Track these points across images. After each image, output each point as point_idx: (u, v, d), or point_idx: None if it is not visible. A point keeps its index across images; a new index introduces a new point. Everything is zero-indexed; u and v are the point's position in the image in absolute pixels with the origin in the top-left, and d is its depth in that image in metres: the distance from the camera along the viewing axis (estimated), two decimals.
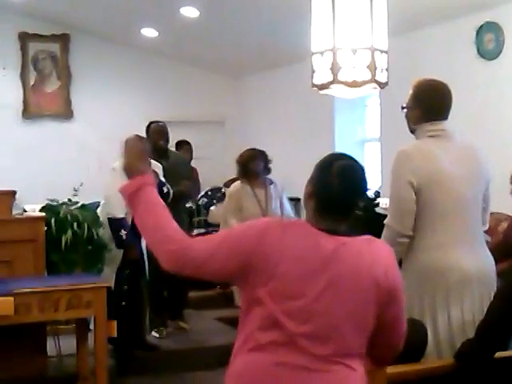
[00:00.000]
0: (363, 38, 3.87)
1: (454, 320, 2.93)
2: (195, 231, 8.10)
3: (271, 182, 5.66)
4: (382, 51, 3.94)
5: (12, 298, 3.98)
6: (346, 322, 2.05)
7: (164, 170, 5.94)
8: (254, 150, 5.63)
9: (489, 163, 3.17)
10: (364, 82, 3.88)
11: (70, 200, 5.17)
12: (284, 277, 2.06)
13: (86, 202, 5.54)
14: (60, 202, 5.17)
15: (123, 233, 5.26)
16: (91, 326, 4.62)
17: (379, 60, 3.91)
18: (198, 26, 7.73)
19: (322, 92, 4.07)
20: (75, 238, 4.94)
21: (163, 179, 5.60)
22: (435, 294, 2.94)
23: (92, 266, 5.07)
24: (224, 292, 7.74)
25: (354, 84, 3.88)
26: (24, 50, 8.83)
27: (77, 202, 5.22)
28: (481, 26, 5.76)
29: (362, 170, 2.17)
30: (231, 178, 8.02)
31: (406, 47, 5.84)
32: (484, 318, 2.59)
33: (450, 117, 3.16)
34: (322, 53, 3.94)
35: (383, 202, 5.40)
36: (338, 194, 2.10)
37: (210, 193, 8.57)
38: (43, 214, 4.92)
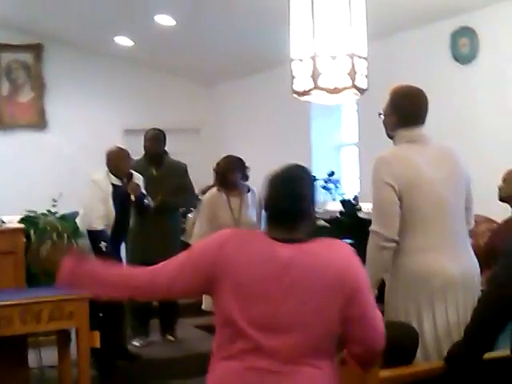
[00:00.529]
0: (343, 45, 3.89)
1: (439, 323, 2.96)
2: None
3: (249, 190, 5.63)
4: (361, 57, 3.96)
5: None
6: (310, 324, 2.11)
7: (153, 178, 5.95)
8: (231, 158, 5.53)
9: (466, 164, 3.22)
10: (344, 89, 3.90)
11: (49, 211, 5.12)
12: (245, 285, 2.15)
13: (64, 212, 5.50)
14: (38, 212, 5.12)
15: (103, 245, 5.25)
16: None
17: (359, 66, 3.94)
18: (174, 35, 7.71)
19: (302, 99, 4.09)
20: (55, 248, 4.89)
21: (144, 191, 5.59)
22: (420, 298, 2.96)
23: None
24: (202, 300, 7.72)
25: (334, 90, 3.90)
26: None
27: (56, 213, 5.17)
28: (455, 31, 5.82)
29: (303, 178, 2.26)
30: (208, 185, 8.02)
31: (381, 52, 5.87)
32: (471, 320, 2.61)
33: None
34: (301, 59, 3.95)
35: (365, 207, 5.43)
36: (280, 203, 2.21)
37: None
38: (22, 225, 4.87)
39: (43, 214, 5.11)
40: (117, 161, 5.46)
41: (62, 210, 5.54)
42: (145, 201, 5.59)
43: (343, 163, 7.92)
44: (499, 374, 2.62)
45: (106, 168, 5.46)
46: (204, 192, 8.19)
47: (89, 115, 9.11)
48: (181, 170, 6.42)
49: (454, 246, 3.04)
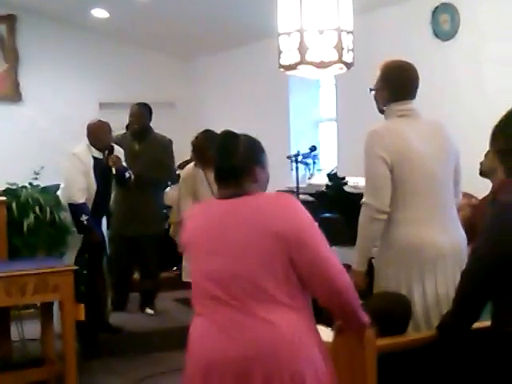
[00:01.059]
0: (330, 19, 3.91)
1: (428, 294, 3.04)
2: None
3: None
4: (348, 32, 4.00)
5: None
6: (253, 269, 2.23)
7: (135, 153, 5.95)
8: (209, 134, 5.49)
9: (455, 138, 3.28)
10: (331, 63, 3.94)
11: (30, 184, 5.08)
12: (195, 245, 2.41)
13: (43, 185, 5.46)
14: (19, 185, 5.07)
15: (84, 218, 5.25)
16: None
17: (345, 41, 3.98)
18: (150, 6, 7.64)
19: (288, 73, 4.12)
20: (37, 221, 4.85)
21: (125, 164, 5.57)
22: (411, 269, 3.03)
23: (54, 249, 5.00)
24: (180, 273, 7.74)
25: (321, 64, 3.93)
26: None
27: (37, 186, 5.13)
28: (436, 7, 5.85)
29: (235, 139, 2.42)
30: (185, 160, 8.01)
31: (362, 27, 5.83)
32: (456, 292, 2.66)
33: None
34: (288, 34, 3.97)
35: (352, 181, 5.47)
36: (216, 163, 2.43)
37: None
38: (3, 197, 4.83)
39: (24, 187, 5.06)
40: (98, 133, 5.43)
41: (42, 182, 5.50)
42: (126, 174, 5.57)
43: (321, 138, 7.95)
44: (486, 343, 2.69)
45: (87, 141, 5.42)
46: (181, 166, 8.21)
47: (64, 88, 9.01)
48: (163, 146, 6.39)
49: (444, 218, 3.11)
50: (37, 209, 4.85)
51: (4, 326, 4.70)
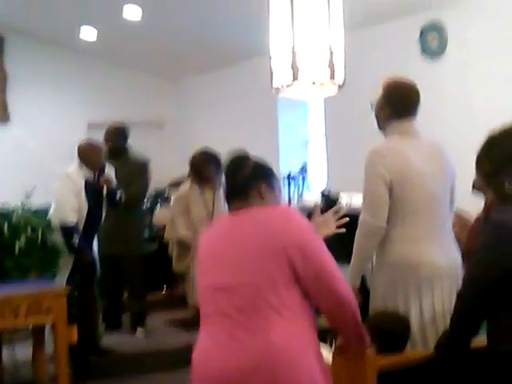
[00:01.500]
0: (322, 39, 3.92)
1: (425, 312, 3.05)
2: None
3: (222, 184, 5.68)
4: (339, 52, 4.00)
5: None
6: (255, 281, 2.24)
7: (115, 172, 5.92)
8: (206, 152, 5.58)
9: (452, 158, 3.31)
10: (323, 83, 3.94)
11: (22, 204, 5.07)
12: (203, 259, 2.44)
13: (33, 206, 5.45)
14: (11, 206, 5.06)
15: (75, 239, 5.23)
16: None
17: (337, 60, 3.98)
18: (139, 27, 7.66)
19: (281, 93, 4.11)
20: (29, 243, 4.85)
21: (116, 185, 5.57)
22: (408, 286, 3.04)
23: (46, 271, 5.00)
24: (172, 293, 7.73)
25: (314, 84, 3.93)
26: None
27: (29, 207, 5.12)
28: (424, 26, 5.91)
29: (240, 158, 2.51)
30: (176, 178, 8.01)
31: (351, 45, 5.92)
32: (454, 308, 2.68)
33: None
34: (280, 53, 3.97)
35: (345, 199, 5.49)
36: (226, 177, 2.51)
37: (153, 194, 8.52)
38: None
39: (15, 209, 5.05)
40: (89, 154, 5.43)
41: (32, 202, 5.48)
42: (117, 194, 5.57)
43: (310, 157, 7.98)
44: (482, 362, 2.70)
45: (78, 161, 5.42)
46: (172, 185, 8.23)
47: (52, 108, 9.02)
48: (137, 165, 6.36)
49: (441, 237, 3.13)
50: (28, 230, 4.85)
51: None
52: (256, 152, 7.88)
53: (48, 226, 5.06)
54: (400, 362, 2.59)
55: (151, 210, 8.32)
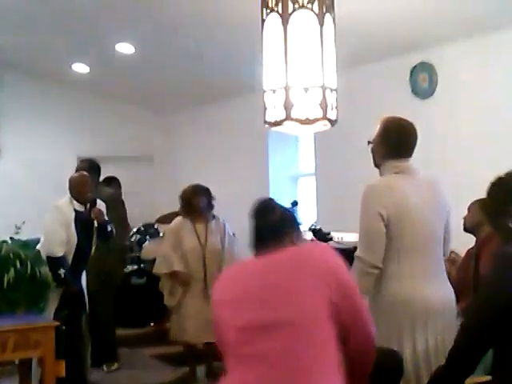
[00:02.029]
0: (315, 77, 3.97)
1: (419, 349, 3.04)
2: (129, 268, 8.03)
3: (213, 217, 5.72)
4: (332, 89, 4.06)
5: None
6: (297, 320, 2.15)
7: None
8: (197, 186, 5.69)
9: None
10: (316, 120, 3.98)
11: (11, 238, 5.04)
12: (233, 302, 2.29)
13: (24, 239, 5.42)
14: (0, 239, 5.03)
15: (62, 271, 5.19)
16: None
17: (330, 98, 4.03)
18: (131, 63, 7.71)
19: (274, 129, 4.15)
20: (18, 276, 4.80)
21: (107, 218, 5.56)
22: (402, 324, 3.04)
23: (34, 304, 4.94)
24: (157, 329, 7.67)
25: (306, 121, 3.96)
26: None
27: (18, 240, 5.09)
28: (415, 66, 5.99)
29: (270, 202, 2.49)
30: (164, 213, 8.01)
31: (342, 84, 6.01)
32: (453, 346, 2.68)
33: None
34: (274, 90, 4.01)
35: (336, 236, 5.50)
36: (255, 222, 2.43)
37: (142, 229, 8.51)
38: None
39: (4, 241, 5.02)
40: (79, 187, 5.42)
41: (22, 236, 5.45)
42: (108, 227, 5.55)
43: (300, 193, 8.01)
44: None
45: (69, 194, 5.41)
46: (160, 221, 8.22)
47: (42, 142, 9.03)
48: (111, 197, 6.29)
49: (436, 274, 3.15)
50: (17, 263, 4.80)
51: None
52: (247, 187, 8.02)
53: (37, 258, 5.02)
54: None
55: (140, 243, 8.30)
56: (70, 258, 5.33)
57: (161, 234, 8.15)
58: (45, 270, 5.07)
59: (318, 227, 6.23)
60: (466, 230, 4.35)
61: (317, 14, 3.88)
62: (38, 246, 5.28)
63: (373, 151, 3.35)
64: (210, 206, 5.66)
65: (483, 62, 5.52)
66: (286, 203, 7.16)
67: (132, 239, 8.30)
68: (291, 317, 2.17)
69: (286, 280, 2.22)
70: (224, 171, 8.62)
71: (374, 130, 3.36)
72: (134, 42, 7.12)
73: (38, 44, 7.67)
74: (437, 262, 3.17)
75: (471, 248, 4.39)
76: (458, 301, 3.28)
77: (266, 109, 4.07)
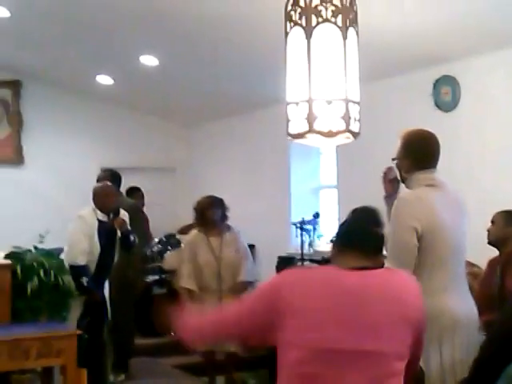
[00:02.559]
0: (338, 90, 3.98)
1: (445, 361, 3.04)
2: (150, 277, 8.07)
3: (228, 229, 5.65)
4: (354, 102, 4.07)
5: None
6: (384, 350, 2.13)
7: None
8: (211, 197, 5.62)
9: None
10: (339, 132, 3.98)
11: (35, 247, 5.11)
12: (320, 313, 2.14)
13: (48, 249, 5.48)
14: (24, 249, 5.09)
15: (84, 280, 5.25)
16: None
17: (352, 111, 4.04)
18: (155, 75, 7.78)
19: (296, 141, 4.16)
20: (41, 285, 4.86)
21: (129, 228, 5.61)
22: (429, 337, 3.02)
23: (57, 313, 5.00)
24: (178, 339, 7.67)
25: (329, 134, 3.96)
26: None
27: (42, 249, 5.15)
28: (438, 79, 5.97)
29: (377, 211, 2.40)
30: (185, 224, 8.04)
31: (366, 97, 6.02)
32: (476, 358, 2.68)
33: None
34: (297, 103, 4.03)
35: None
36: (363, 227, 2.31)
37: (164, 239, 8.56)
38: (9, 261, 4.84)
39: (29, 251, 5.08)
40: (103, 197, 5.49)
41: (46, 246, 5.52)
42: (131, 237, 5.60)
43: (321, 205, 8.01)
44: None
45: (92, 204, 5.47)
46: (181, 232, 8.25)
47: (66, 152, 9.13)
48: (133, 208, 6.31)
49: (462, 287, 3.18)
50: (41, 272, 4.87)
51: None
52: (268, 199, 7.97)
53: (61, 267, 5.08)
54: None
55: (161, 254, 8.34)
56: (93, 267, 5.39)
57: (182, 245, 8.18)
58: (68, 278, 5.13)
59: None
60: (489, 243, 4.33)
61: (340, 28, 3.89)
62: (61, 256, 5.35)
63: (398, 166, 3.36)
64: (225, 218, 5.61)
65: (507, 73, 5.50)
66: (308, 215, 7.20)
67: (154, 249, 8.34)
68: (379, 349, 2.13)
69: (381, 313, 2.16)
70: (246, 183, 8.65)
71: (396, 146, 3.36)
72: (158, 54, 7.18)
73: (63, 56, 7.78)
74: (462, 277, 3.20)
75: (492, 259, 4.37)
76: (479, 314, 3.27)
77: (288, 121, 4.08)
